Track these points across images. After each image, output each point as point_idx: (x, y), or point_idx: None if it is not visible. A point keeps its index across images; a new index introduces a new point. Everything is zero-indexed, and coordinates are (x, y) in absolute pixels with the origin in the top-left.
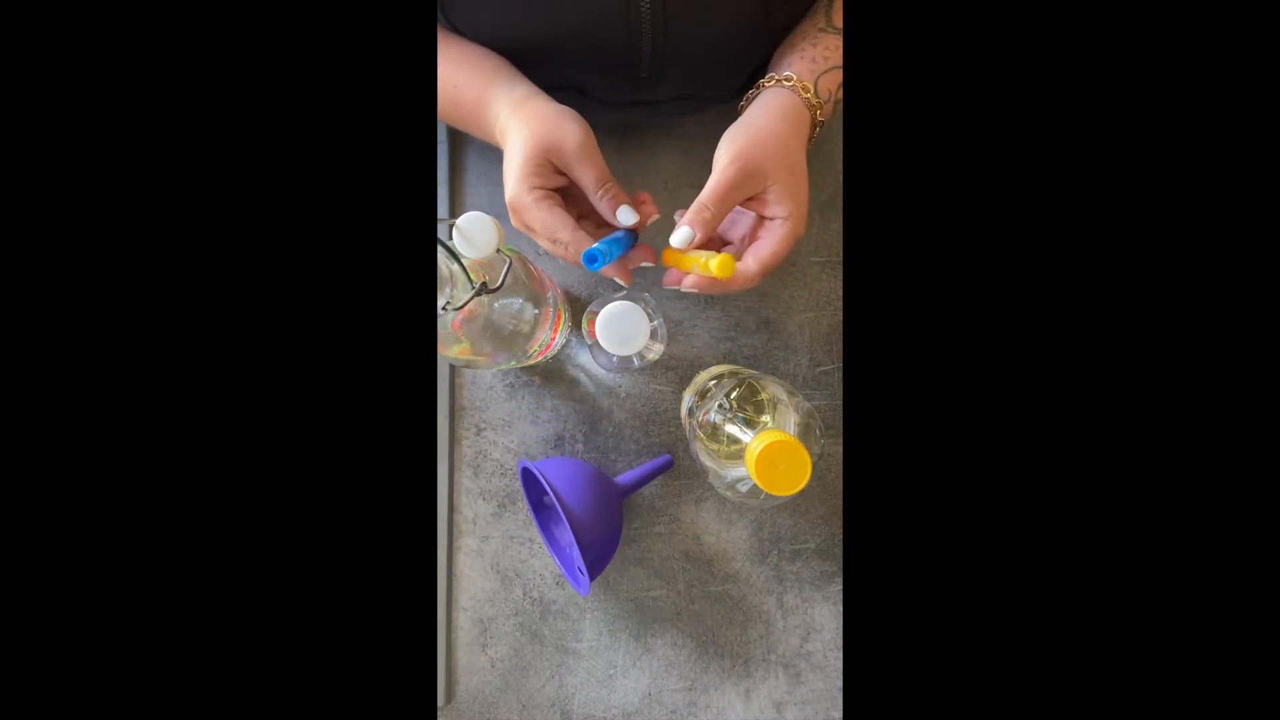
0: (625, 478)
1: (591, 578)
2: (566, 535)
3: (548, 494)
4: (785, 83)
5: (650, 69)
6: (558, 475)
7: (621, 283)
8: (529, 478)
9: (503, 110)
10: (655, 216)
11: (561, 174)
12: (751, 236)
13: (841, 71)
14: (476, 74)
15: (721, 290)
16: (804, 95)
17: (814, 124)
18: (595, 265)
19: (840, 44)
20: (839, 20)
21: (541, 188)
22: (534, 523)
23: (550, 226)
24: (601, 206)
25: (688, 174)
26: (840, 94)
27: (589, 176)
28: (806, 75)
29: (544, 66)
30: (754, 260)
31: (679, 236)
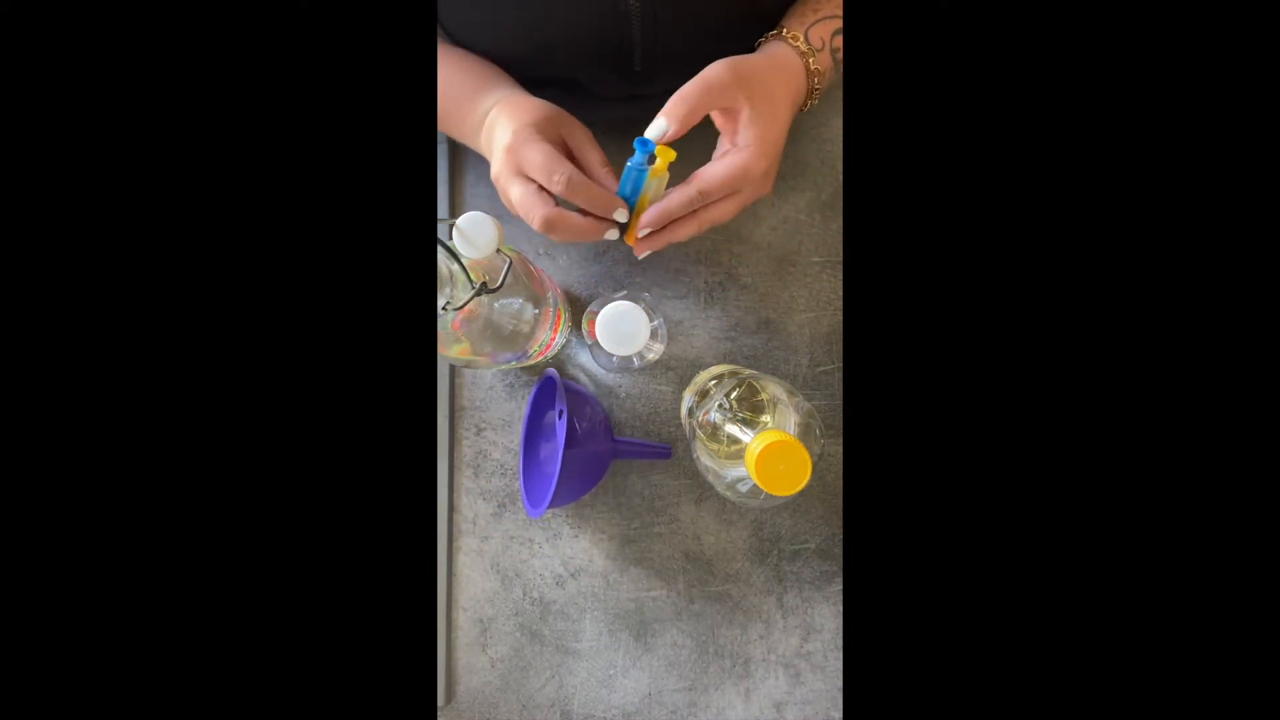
0: (623, 439)
1: (556, 499)
2: (557, 446)
3: (556, 408)
4: (774, 36)
5: (643, 62)
6: (579, 390)
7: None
8: (542, 393)
9: (492, 105)
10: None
11: (556, 143)
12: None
13: (834, 22)
14: (465, 75)
15: (669, 232)
16: (793, 44)
17: (809, 74)
18: (648, 147)
19: (835, 2)
20: None
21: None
22: (520, 442)
23: (549, 159)
24: (604, 181)
25: (686, 172)
26: (835, 43)
27: (595, 155)
28: (796, 27)
29: (538, 61)
30: (696, 177)
31: (654, 128)
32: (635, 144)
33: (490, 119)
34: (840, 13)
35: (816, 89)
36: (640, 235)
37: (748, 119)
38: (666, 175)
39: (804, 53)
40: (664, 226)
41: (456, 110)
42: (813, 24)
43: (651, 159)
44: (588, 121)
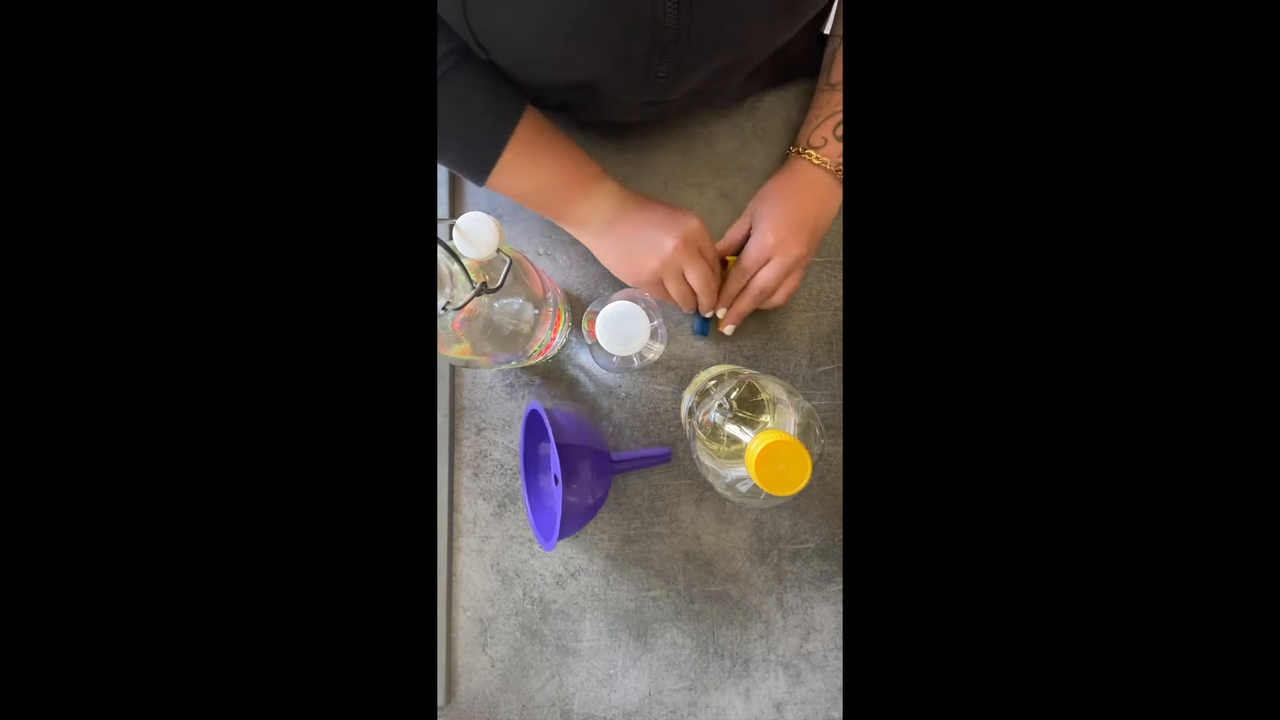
0: (620, 454)
1: (564, 531)
2: (553, 481)
3: (546, 442)
4: (790, 150)
5: (669, 69)
6: (563, 418)
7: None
8: (532, 426)
9: (609, 190)
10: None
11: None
12: None
13: (833, 119)
14: (567, 157)
15: (736, 308)
16: (799, 154)
17: (819, 167)
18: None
19: (835, 99)
20: (836, 77)
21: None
22: (521, 476)
23: (708, 277)
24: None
25: (687, 174)
26: (838, 132)
27: (713, 254)
28: (801, 139)
29: (562, 63)
30: (735, 268)
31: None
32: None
33: (617, 207)
34: (838, 110)
35: (839, 171)
36: (724, 322)
37: (757, 220)
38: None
39: (809, 157)
40: (731, 305)
41: (558, 197)
42: (813, 130)
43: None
44: (602, 123)
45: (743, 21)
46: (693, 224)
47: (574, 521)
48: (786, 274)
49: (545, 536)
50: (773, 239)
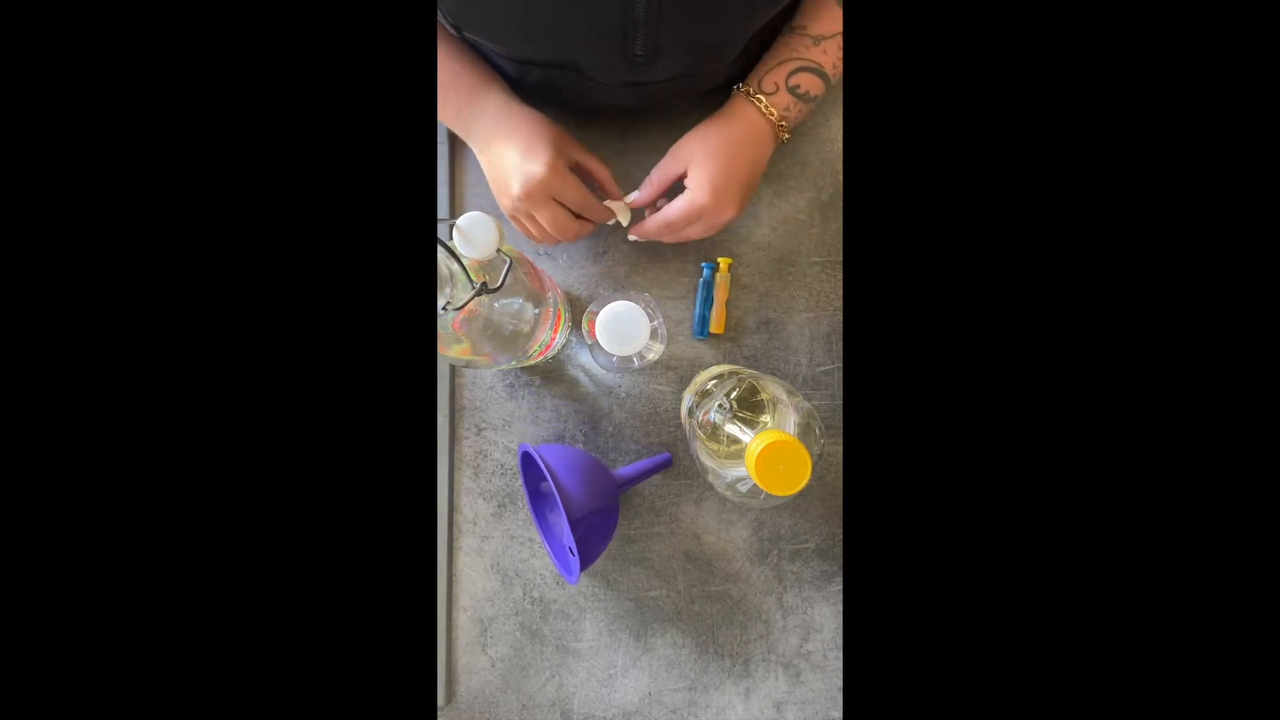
0: (623, 470)
1: (583, 564)
2: (561, 520)
3: (545, 480)
4: (736, 92)
5: (646, 46)
6: (556, 459)
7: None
8: (528, 465)
9: (489, 112)
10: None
11: (570, 167)
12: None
13: (789, 64)
14: (460, 77)
15: (642, 232)
16: (747, 96)
17: (765, 115)
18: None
19: (796, 44)
20: (805, 20)
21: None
22: (531, 514)
23: (585, 196)
24: (610, 187)
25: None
26: (793, 81)
27: (595, 163)
28: (752, 79)
29: (540, 42)
30: (659, 214)
31: (631, 197)
32: (703, 266)
33: (491, 130)
34: (798, 55)
35: (781, 125)
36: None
37: (694, 170)
38: (728, 275)
39: (756, 101)
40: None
41: (451, 109)
42: (767, 72)
43: (714, 271)
44: (589, 108)
45: None
46: (535, 175)
47: (593, 552)
48: (710, 234)
49: (568, 571)
50: (710, 199)
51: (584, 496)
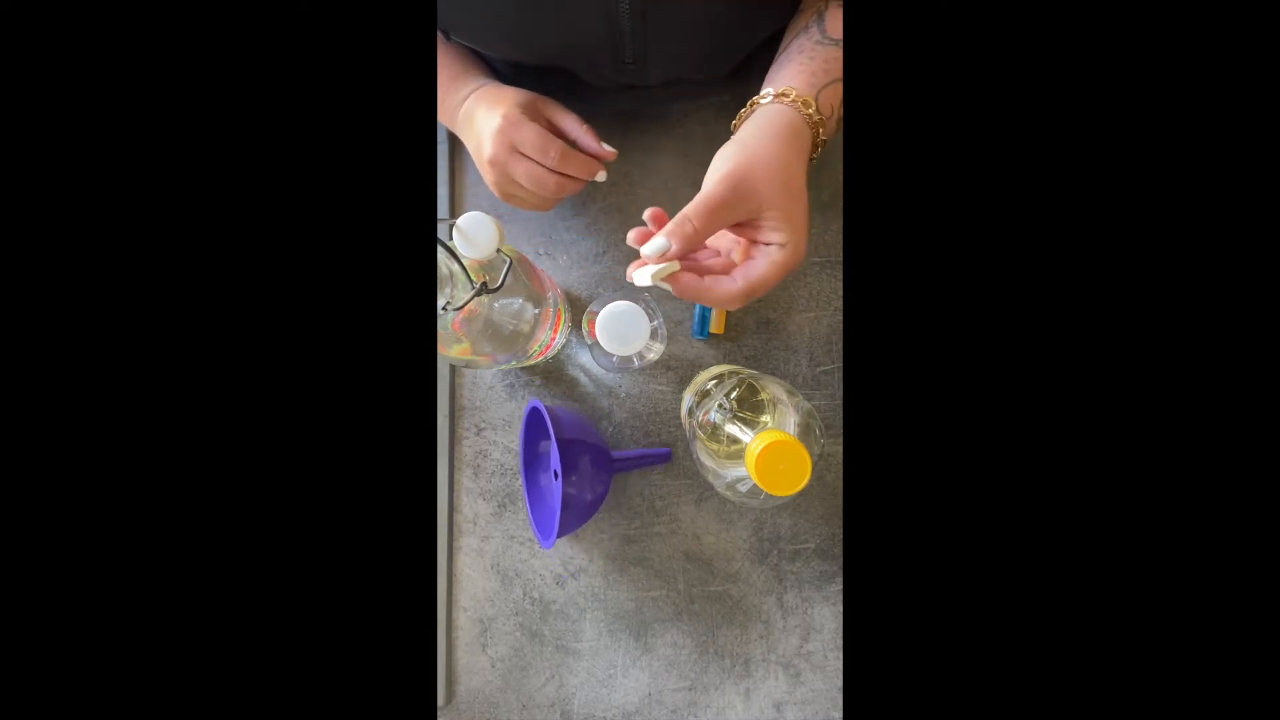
0: (621, 453)
1: (564, 525)
2: (551, 477)
3: (546, 439)
4: (784, 98)
5: (634, 52)
6: (564, 415)
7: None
8: (532, 424)
9: (469, 94)
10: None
11: (541, 123)
12: (745, 254)
13: (837, 86)
14: (443, 65)
15: (707, 302)
16: (805, 111)
17: (815, 143)
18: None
19: (838, 56)
20: (835, 32)
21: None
22: (522, 478)
23: (541, 137)
24: (586, 140)
25: (687, 174)
26: (834, 101)
27: (570, 118)
28: (807, 89)
29: (527, 51)
30: (742, 279)
31: (653, 245)
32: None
33: (468, 107)
34: (837, 71)
35: (819, 151)
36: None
37: (773, 223)
38: None
39: (815, 122)
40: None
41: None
42: (824, 87)
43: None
44: (585, 113)
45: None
46: (492, 128)
47: (573, 518)
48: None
49: (545, 534)
50: (797, 256)
51: (581, 454)
